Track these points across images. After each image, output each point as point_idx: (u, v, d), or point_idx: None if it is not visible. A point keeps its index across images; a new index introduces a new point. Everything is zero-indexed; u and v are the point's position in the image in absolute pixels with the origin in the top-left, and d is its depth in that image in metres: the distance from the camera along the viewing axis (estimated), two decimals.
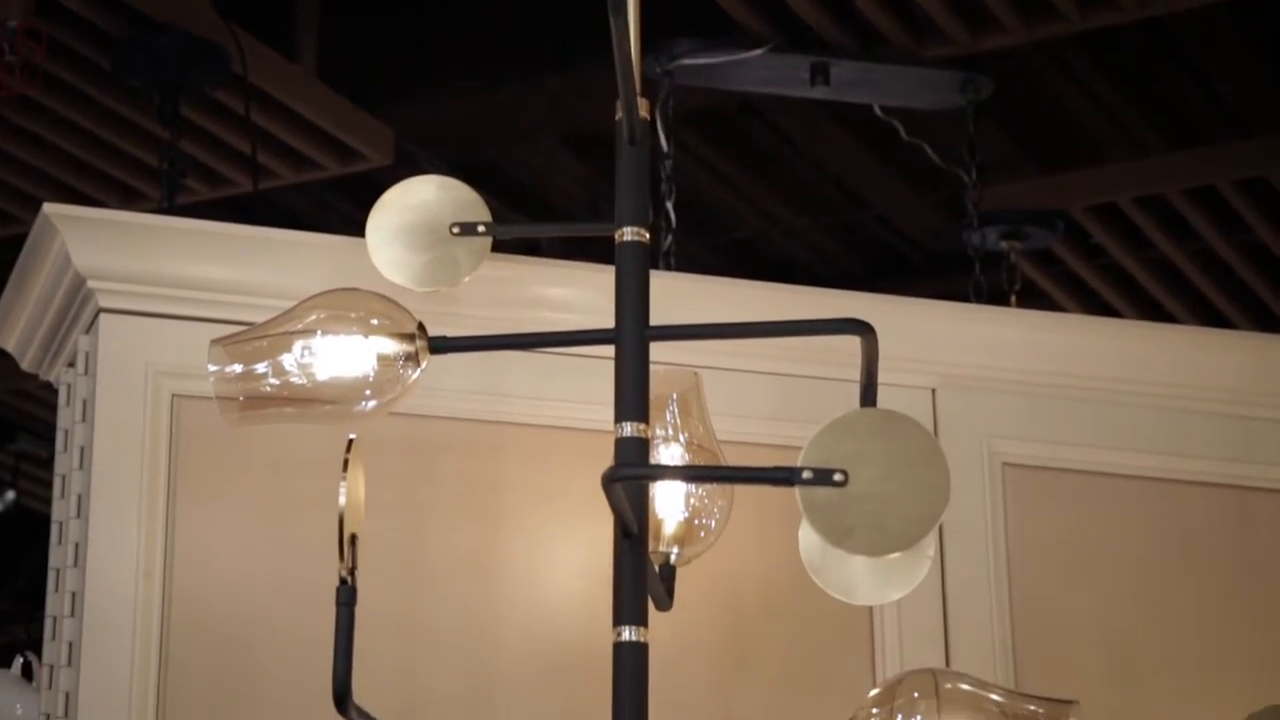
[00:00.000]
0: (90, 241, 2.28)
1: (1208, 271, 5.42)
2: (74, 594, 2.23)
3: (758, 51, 4.06)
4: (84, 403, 2.30)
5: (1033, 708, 1.73)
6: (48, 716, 2.26)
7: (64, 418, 2.34)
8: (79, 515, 2.27)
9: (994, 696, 1.73)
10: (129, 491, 2.25)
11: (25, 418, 6.37)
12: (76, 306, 2.34)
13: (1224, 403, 2.63)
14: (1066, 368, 2.58)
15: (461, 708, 2.31)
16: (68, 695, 2.21)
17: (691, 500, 2.03)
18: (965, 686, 1.74)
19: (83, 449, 2.29)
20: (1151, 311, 5.52)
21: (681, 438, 2.04)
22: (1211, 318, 5.56)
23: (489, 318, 2.32)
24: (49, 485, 2.42)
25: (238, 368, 1.96)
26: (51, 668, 2.26)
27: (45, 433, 6.10)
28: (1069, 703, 1.71)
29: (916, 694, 1.73)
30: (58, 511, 2.31)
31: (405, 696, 2.29)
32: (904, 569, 1.93)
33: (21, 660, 3.98)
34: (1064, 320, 2.63)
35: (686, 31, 4.11)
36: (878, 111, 4.42)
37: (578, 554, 2.35)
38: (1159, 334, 2.72)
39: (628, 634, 1.74)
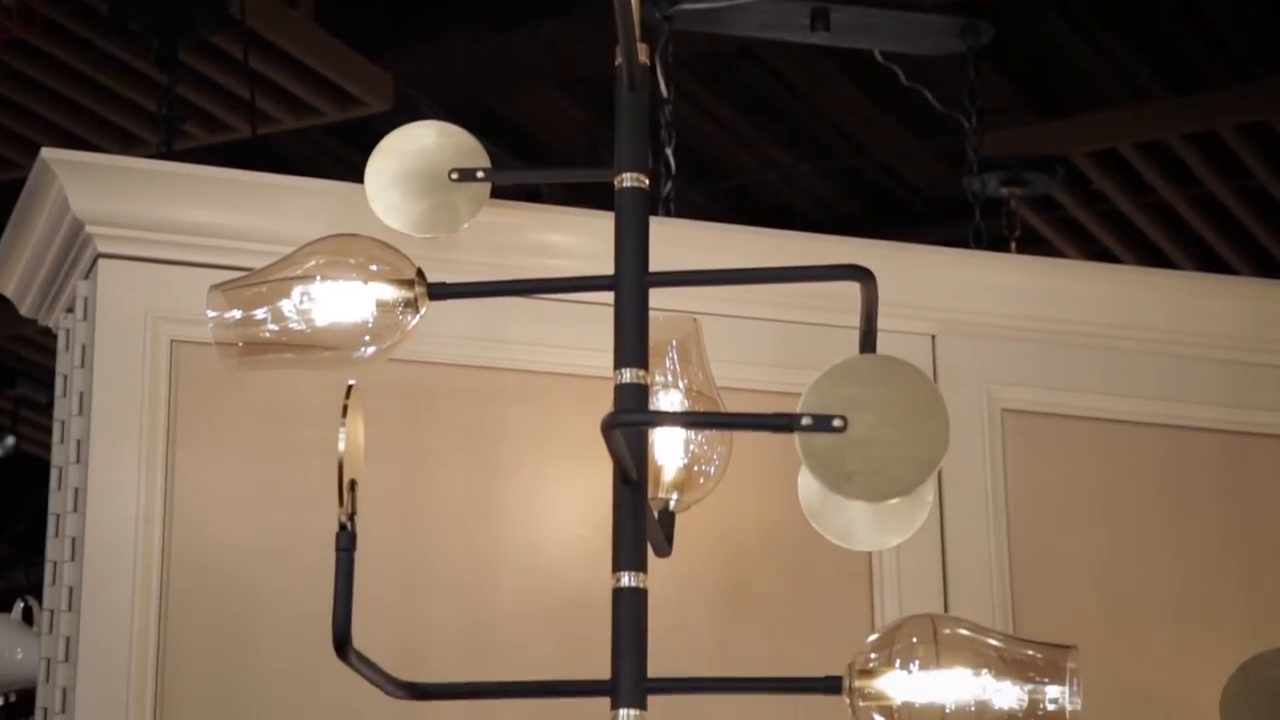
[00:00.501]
0: (88, 186, 2.28)
1: (1208, 217, 5.41)
2: (74, 539, 2.24)
3: None
4: (83, 348, 2.30)
5: (1031, 652, 1.73)
6: (48, 661, 2.26)
7: (63, 363, 2.34)
8: (78, 460, 2.27)
9: (992, 641, 1.74)
10: (128, 437, 2.25)
11: (24, 363, 6.36)
12: (75, 252, 2.33)
13: (1223, 348, 2.63)
14: (1066, 313, 2.58)
15: (461, 652, 2.32)
16: (68, 640, 2.22)
17: (691, 446, 2.03)
18: (964, 631, 1.75)
19: (82, 394, 2.29)
20: (1151, 257, 5.51)
21: (681, 384, 2.04)
22: (1211, 263, 5.56)
23: (488, 264, 2.32)
24: (48, 431, 2.42)
25: (237, 313, 1.96)
26: (52, 612, 2.27)
27: (44, 378, 6.11)
28: (1067, 648, 1.71)
29: (915, 639, 1.73)
30: (57, 457, 2.31)
31: (405, 641, 2.29)
32: (903, 515, 1.93)
33: (22, 605, 3.99)
34: (1064, 266, 2.63)
35: None
36: (878, 57, 4.41)
37: (577, 500, 2.36)
38: (1158, 280, 2.72)
39: (627, 579, 1.74)
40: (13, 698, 4.46)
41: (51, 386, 2.37)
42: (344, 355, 1.97)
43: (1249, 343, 2.63)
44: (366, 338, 1.96)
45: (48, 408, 2.23)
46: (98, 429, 2.25)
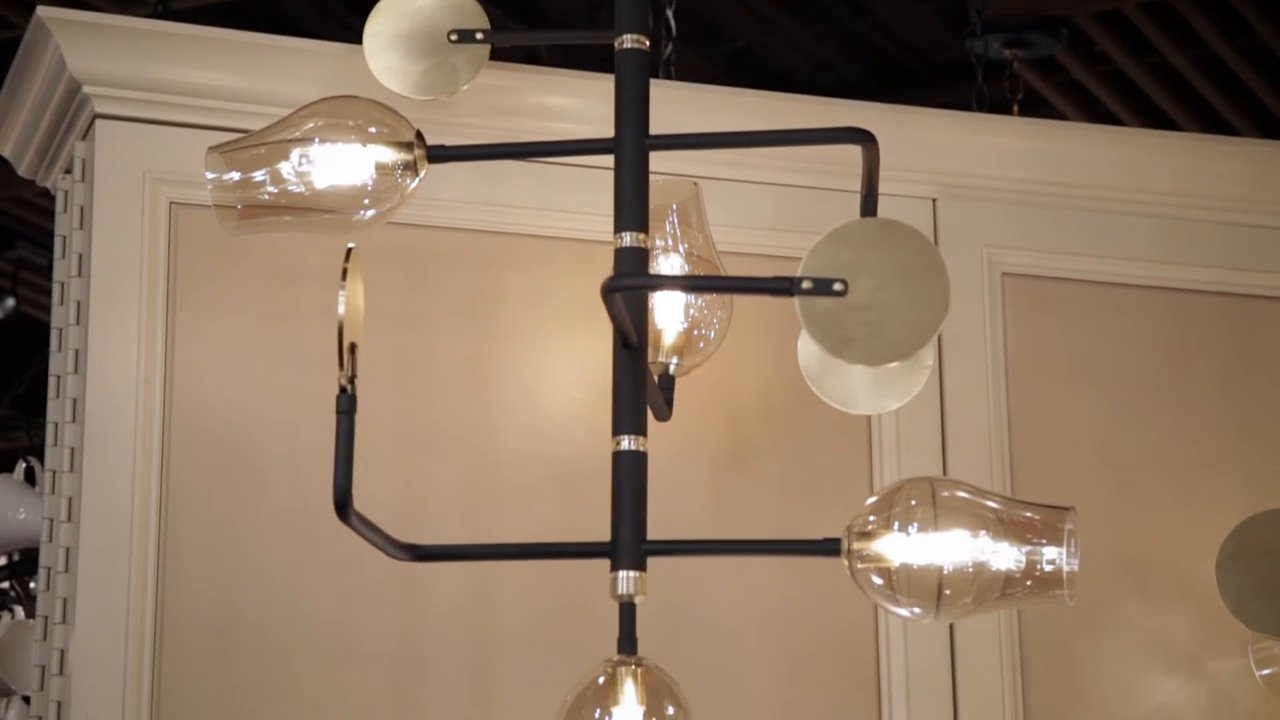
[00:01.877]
0: (85, 46, 2.26)
1: (1212, 78, 5.38)
2: (74, 400, 2.24)
3: None
4: (81, 209, 2.29)
5: (1029, 514, 1.74)
6: (51, 521, 2.28)
7: (61, 224, 2.34)
8: (78, 322, 2.27)
9: (990, 503, 1.74)
10: (128, 299, 2.25)
11: (24, 225, 6.35)
12: (72, 112, 2.32)
13: (1225, 210, 2.62)
14: (1068, 177, 2.57)
15: (461, 515, 2.33)
16: (70, 500, 2.23)
17: (691, 311, 2.03)
18: (962, 494, 1.75)
19: (81, 256, 2.29)
20: (1155, 119, 5.48)
21: (681, 248, 2.04)
22: (1215, 124, 5.53)
23: (487, 127, 2.31)
24: (48, 292, 2.42)
25: (235, 175, 1.95)
26: (54, 473, 2.28)
27: (44, 240, 6.09)
28: (1065, 509, 1.72)
29: (914, 501, 1.74)
30: (57, 318, 2.32)
31: (405, 504, 2.30)
32: (902, 379, 1.93)
33: (24, 465, 4.01)
34: (1066, 129, 2.62)
35: None
36: None
37: (577, 364, 2.36)
38: (1161, 142, 2.71)
39: (626, 443, 1.75)
40: (16, 557, 4.49)
41: (51, 248, 2.37)
42: (343, 218, 1.97)
43: (1251, 205, 2.62)
44: (365, 201, 1.95)
45: (47, 270, 2.23)
46: (97, 291, 2.25)
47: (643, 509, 1.72)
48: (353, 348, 1.69)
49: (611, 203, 1.85)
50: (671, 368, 2.02)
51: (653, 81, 1.96)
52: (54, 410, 2.28)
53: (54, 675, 2.22)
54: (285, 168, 1.94)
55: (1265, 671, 2.54)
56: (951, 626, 2.42)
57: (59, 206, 2.35)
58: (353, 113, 1.97)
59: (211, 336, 2.28)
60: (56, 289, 2.32)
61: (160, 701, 2.20)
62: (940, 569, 1.71)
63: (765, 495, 2.42)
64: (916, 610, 1.72)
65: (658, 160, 1.92)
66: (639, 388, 1.79)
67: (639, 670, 1.67)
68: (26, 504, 3.81)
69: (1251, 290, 2.63)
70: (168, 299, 2.27)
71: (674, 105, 2.26)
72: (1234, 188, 2.62)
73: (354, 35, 2.18)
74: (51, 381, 2.30)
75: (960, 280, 2.31)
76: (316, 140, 1.95)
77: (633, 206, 1.84)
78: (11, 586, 4.58)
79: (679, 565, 1.96)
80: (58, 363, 2.29)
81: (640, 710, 1.66)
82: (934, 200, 2.52)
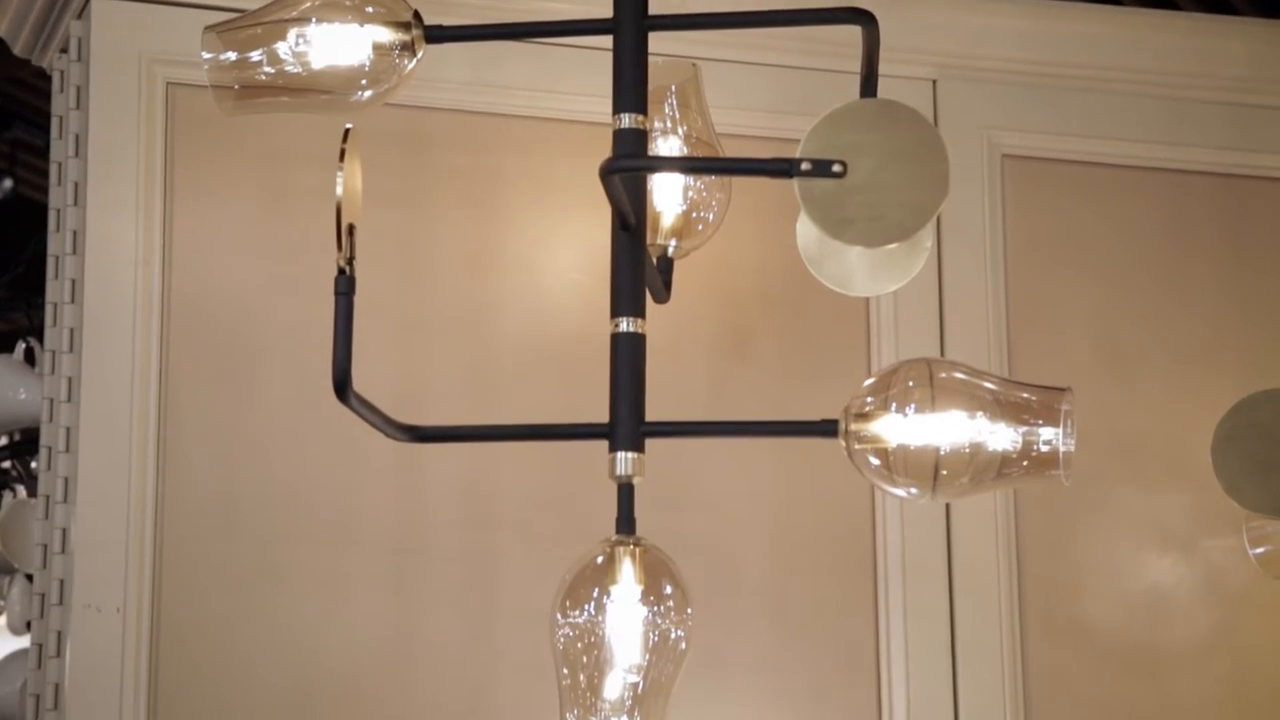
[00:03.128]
0: None
1: None
2: (73, 281, 2.24)
3: None
4: (78, 90, 2.28)
5: (1026, 395, 1.74)
6: (51, 401, 2.28)
7: (58, 104, 2.33)
8: (76, 203, 2.27)
9: (987, 384, 1.74)
10: (125, 179, 2.25)
11: (21, 106, 6.32)
12: None
13: (1225, 90, 2.61)
14: (1068, 57, 2.56)
15: (460, 397, 2.34)
16: (70, 380, 2.23)
17: (689, 193, 2.02)
18: (959, 375, 1.75)
19: (77, 136, 2.28)
20: None
21: (680, 130, 2.03)
22: (1215, 3, 5.49)
23: (486, 7, 2.30)
24: (46, 174, 2.42)
25: (232, 55, 1.94)
26: (54, 353, 2.28)
27: (41, 121, 6.06)
28: (1062, 390, 1.72)
29: (911, 383, 1.74)
30: (54, 199, 2.31)
31: (404, 386, 2.31)
32: (901, 261, 1.93)
33: (24, 346, 4.01)
34: (1066, 9, 2.60)
35: None
36: None
37: (576, 246, 2.36)
38: (1161, 21, 2.70)
39: (625, 325, 1.75)
40: (17, 437, 4.51)
41: (48, 129, 2.36)
42: (340, 99, 1.95)
43: (1251, 84, 2.62)
44: (363, 81, 1.94)
45: (45, 151, 2.21)
46: (94, 171, 2.24)
47: (641, 391, 1.72)
48: (351, 229, 1.69)
49: (610, 84, 1.84)
50: (670, 250, 2.01)
51: None
52: (53, 291, 2.29)
53: (56, 553, 2.24)
54: (282, 48, 1.93)
55: (1259, 550, 2.56)
56: (948, 507, 2.44)
57: (55, 87, 2.34)
58: None
59: (210, 217, 2.28)
60: (54, 170, 2.32)
61: (162, 578, 2.21)
62: (937, 450, 1.71)
63: (763, 377, 2.43)
64: (913, 490, 1.73)
65: (657, 41, 1.90)
66: (637, 270, 1.79)
67: (637, 550, 1.68)
68: (27, 384, 3.81)
69: (1250, 171, 2.63)
70: (165, 180, 2.26)
71: None
72: (1234, 67, 2.61)
73: None
74: (50, 262, 2.30)
75: (960, 162, 2.31)
76: (313, 20, 1.93)
77: (632, 88, 1.83)
78: (13, 466, 4.60)
79: (677, 447, 1.96)
80: (56, 244, 2.29)
81: (638, 589, 1.67)
82: (934, 81, 2.51)
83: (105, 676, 2.17)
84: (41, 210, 2.39)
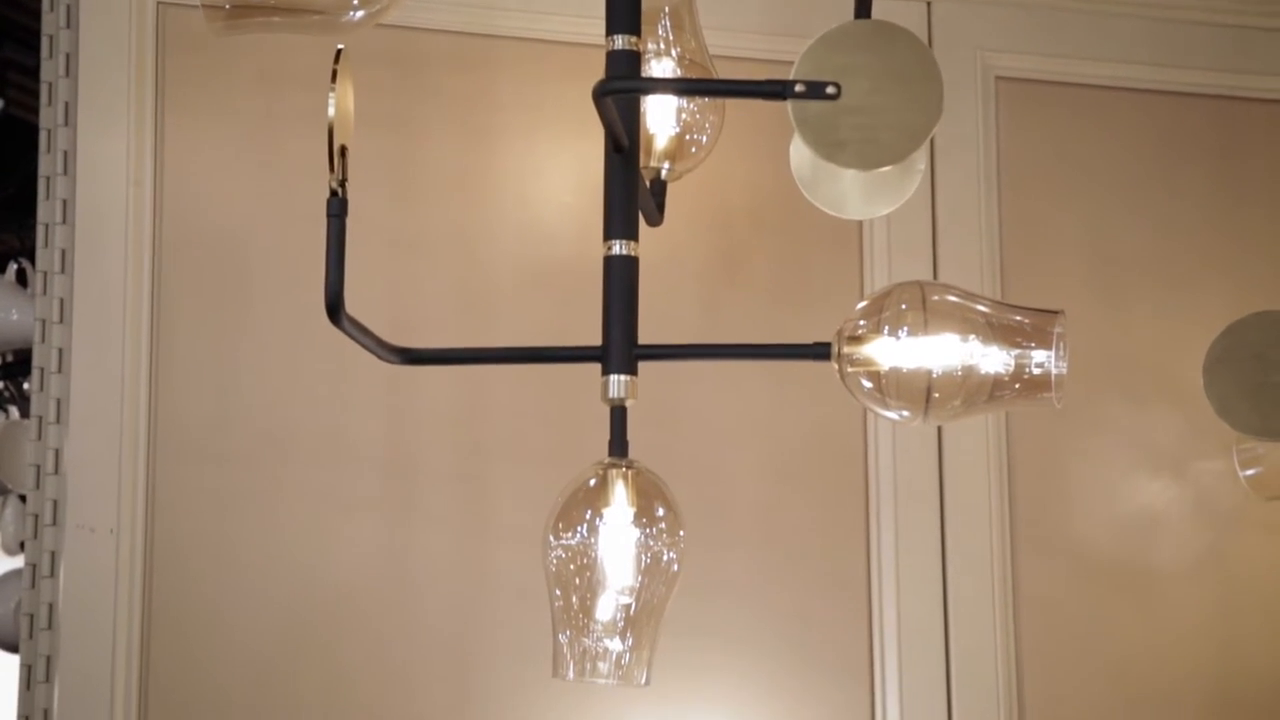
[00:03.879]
0: None
1: None
2: (65, 201, 2.24)
3: None
4: (68, 8, 2.27)
5: (1018, 318, 1.74)
6: (43, 322, 2.28)
7: (48, 23, 2.32)
8: (66, 123, 2.26)
9: (980, 307, 1.74)
10: (116, 100, 2.24)
11: (10, 25, 6.28)
12: None
13: (1219, 11, 2.60)
14: None
15: (453, 319, 2.33)
16: (62, 301, 2.23)
17: (683, 115, 2.01)
18: (952, 298, 1.75)
19: (68, 56, 2.27)
20: None
21: (674, 52, 2.02)
22: None
23: None
24: (36, 94, 2.41)
25: None
26: (45, 274, 2.28)
27: (31, 40, 6.03)
28: (1054, 313, 1.72)
29: (904, 305, 1.74)
30: (45, 119, 2.30)
31: (397, 308, 2.31)
32: (894, 183, 1.92)
33: (15, 267, 4.00)
34: None
35: None
36: None
37: (568, 168, 2.35)
38: None
39: (618, 248, 1.74)
40: (9, 358, 4.50)
41: (38, 49, 2.35)
42: (332, 19, 1.94)
43: (1245, 5, 2.60)
44: (355, 1, 1.93)
45: (35, 70, 2.20)
46: (85, 91, 2.23)
47: (634, 313, 1.72)
48: (343, 151, 1.68)
49: (603, 5, 1.83)
50: (663, 172, 2.01)
51: None
52: (44, 212, 2.28)
53: (49, 474, 2.24)
54: None
55: (1249, 472, 2.56)
56: (939, 431, 2.44)
57: (45, 5, 2.33)
58: None
59: (201, 138, 2.27)
60: (44, 89, 2.31)
61: (155, 498, 2.22)
62: (929, 372, 1.71)
63: (756, 298, 2.43)
64: (905, 413, 1.73)
65: None
66: (630, 192, 1.78)
67: (630, 472, 1.68)
68: (19, 305, 3.81)
69: (1245, 93, 2.62)
70: (156, 100, 2.25)
71: None
72: None
73: None
74: (41, 183, 2.30)
75: (954, 84, 2.30)
76: None
77: (625, 9, 1.82)
78: (5, 387, 4.59)
79: (670, 370, 1.96)
80: (47, 164, 2.28)
81: (631, 511, 1.68)
82: (928, 3, 2.50)
83: (99, 596, 2.18)
84: (32, 131, 2.38)
